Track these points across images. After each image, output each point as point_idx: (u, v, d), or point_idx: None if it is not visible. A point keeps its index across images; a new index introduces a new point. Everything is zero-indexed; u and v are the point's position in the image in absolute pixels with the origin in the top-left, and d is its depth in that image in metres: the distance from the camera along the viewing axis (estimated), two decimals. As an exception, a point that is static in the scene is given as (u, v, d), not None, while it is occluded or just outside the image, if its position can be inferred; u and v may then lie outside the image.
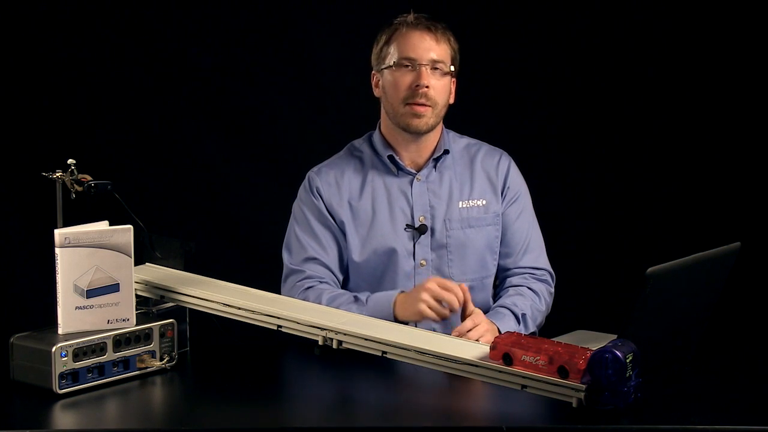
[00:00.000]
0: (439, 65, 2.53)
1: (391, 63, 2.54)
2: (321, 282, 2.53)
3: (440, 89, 2.53)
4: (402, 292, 2.42)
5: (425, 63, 2.52)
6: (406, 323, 2.35)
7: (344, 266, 2.59)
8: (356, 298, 2.46)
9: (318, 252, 2.56)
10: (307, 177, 2.64)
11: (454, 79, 2.60)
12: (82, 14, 3.41)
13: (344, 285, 2.60)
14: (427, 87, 2.50)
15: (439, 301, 2.33)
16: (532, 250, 2.64)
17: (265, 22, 3.48)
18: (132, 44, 3.44)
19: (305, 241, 2.57)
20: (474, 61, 2.75)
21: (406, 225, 2.57)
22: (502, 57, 3.48)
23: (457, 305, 2.33)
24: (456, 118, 2.69)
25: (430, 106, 2.52)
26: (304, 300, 2.47)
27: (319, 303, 2.44)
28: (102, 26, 3.42)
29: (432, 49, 2.53)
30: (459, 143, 2.67)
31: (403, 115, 2.53)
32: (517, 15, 3.47)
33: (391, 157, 2.60)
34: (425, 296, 2.33)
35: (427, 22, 2.56)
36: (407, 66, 2.53)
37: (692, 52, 3.43)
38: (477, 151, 2.66)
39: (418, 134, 2.56)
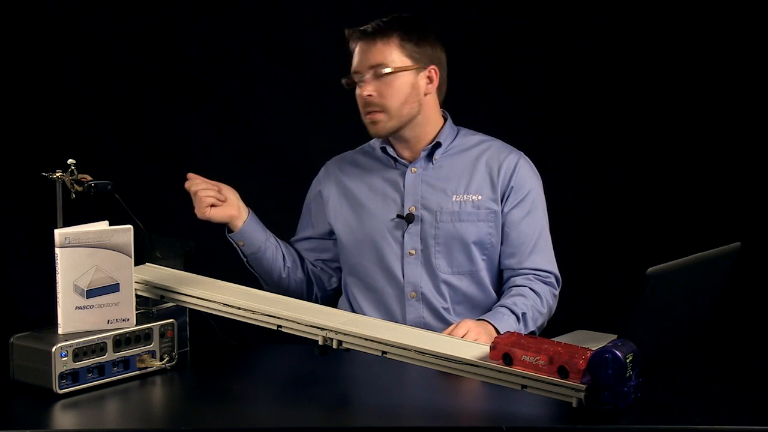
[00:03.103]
0: (378, 69, 2.55)
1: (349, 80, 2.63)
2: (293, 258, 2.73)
3: (388, 91, 2.55)
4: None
5: (363, 72, 2.56)
6: None
7: (323, 249, 2.74)
8: None
9: (299, 234, 2.76)
10: None
11: (432, 67, 2.59)
12: (82, 14, 3.41)
13: (336, 270, 2.75)
14: (369, 95, 2.55)
15: None
16: (539, 251, 2.63)
17: (264, 21, 3.48)
18: (131, 44, 3.44)
19: (299, 224, 2.78)
20: (476, 60, 2.75)
21: (397, 214, 2.59)
22: (504, 56, 3.47)
23: None
24: (456, 117, 2.70)
25: (379, 111, 2.55)
26: None
27: None
28: (101, 26, 3.42)
29: (366, 57, 2.56)
30: (470, 140, 2.68)
31: (366, 125, 2.61)
32: (522, 13, 3.47)
33: (383, 149, 2.65)
34: None
35: (359, 31, 2.58)
36: (355, 81, 2.59)
37: (693, 52, 3.43)
38: (487, 148, 2.67)
39: (380, 138, 2.64)
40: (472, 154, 2.65)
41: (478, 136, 2.70)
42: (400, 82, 2.56)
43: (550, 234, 2.69)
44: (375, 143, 2.72)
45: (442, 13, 2.60)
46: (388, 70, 2.54)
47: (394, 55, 2.55)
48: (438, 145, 2.63)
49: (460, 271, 2.60)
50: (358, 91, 2.59)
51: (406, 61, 2.56)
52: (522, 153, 2.68)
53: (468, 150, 2.66)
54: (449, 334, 2.34)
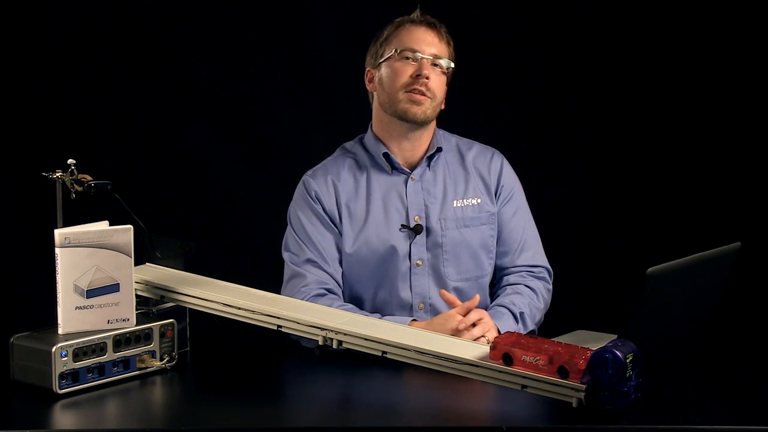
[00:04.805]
0: (439, 62, 2.55)
1: (392, 53, 2.55)
2: (327, 290, 2.52)
3: (439, 84, 2.56)
4: (414, 320, 2.44)
5: (427, 56, 2.54)
6: None
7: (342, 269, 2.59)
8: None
9: (317, 256, 2.55)
10: (302, 181, 2.64)
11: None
12: (83, 15, 3.40)
13: (342, 285, 2.60)
14: (428, 78, 2.52)
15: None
16: (529, 247, 2.65)
17: (264, 21, 3.48)
18: (132, 44, 3.43)
19: (304, 245, 2.56)
20: (470, 60, 2.75)
21: (402, 225, 2.57)
22: (499, 56, 3.47)
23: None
24: (453, 117, 2.69)
25: (429, 97, 2.54)
26: None
27: None
28: (102, 26, 3.42)
29: (434, 44, 2.56)
30: (450, 142, 2.68)
31: (402, 101, 2.54)
32: (515, 15, 3.47)
33: (386, 155, 2.60)
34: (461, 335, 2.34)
35: (431, 20, 2.60)
36: (408, 58, 2.55)
37: (692, 52, 3.43)
38: (468, 150, 2.67)
39: (414, 123, 2.55)
40: (458, 157, 2.65)
41: (455, 138, 2.69)
42: (444, 80, 2.58)
43: (551, 234, 2.70)
44: (355, 147, 2.65)
45: (430, 11, 2.60)
46: (451, 65, 2.57)
47: (449, 56, 2.59)
48: (439, 150, 2.62)
49: (468, 277, 2.60)
50: (406, 68, 2.53)
51: (448, 66, 2.59)
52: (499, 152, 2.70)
53: (454, 153, 2.65)
54: (461, 307, 2.38)
